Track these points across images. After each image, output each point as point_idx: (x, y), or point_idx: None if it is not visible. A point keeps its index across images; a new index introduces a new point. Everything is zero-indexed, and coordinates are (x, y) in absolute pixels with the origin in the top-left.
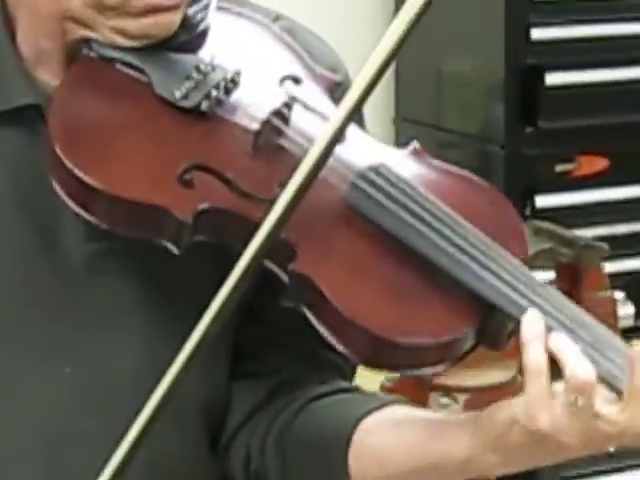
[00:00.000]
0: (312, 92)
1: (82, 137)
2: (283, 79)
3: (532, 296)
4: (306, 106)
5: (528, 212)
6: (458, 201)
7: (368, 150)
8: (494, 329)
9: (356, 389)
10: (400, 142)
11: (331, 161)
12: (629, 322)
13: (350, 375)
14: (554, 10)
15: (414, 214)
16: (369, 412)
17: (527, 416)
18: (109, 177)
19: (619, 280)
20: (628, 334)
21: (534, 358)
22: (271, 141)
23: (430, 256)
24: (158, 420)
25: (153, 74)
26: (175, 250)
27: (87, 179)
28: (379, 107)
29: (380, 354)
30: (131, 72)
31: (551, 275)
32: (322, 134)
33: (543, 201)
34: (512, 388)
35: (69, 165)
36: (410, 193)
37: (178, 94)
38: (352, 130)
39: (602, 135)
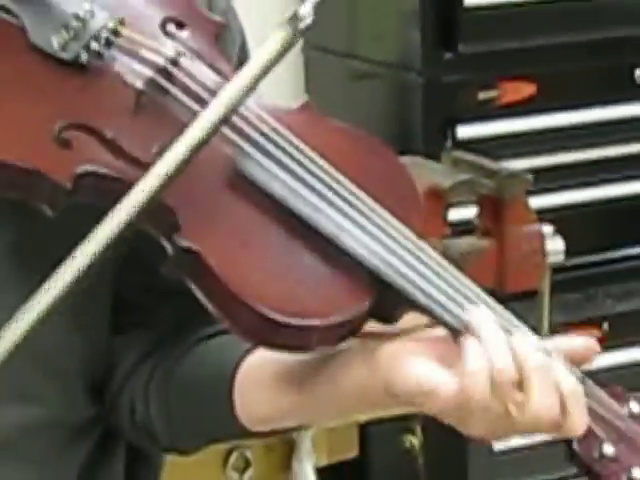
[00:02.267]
0: (199, 39)
1: None
2: (164, 22)
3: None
4: (194, 57)
5: (449, 144)
6: (353, 167)
7: (258, 111)
8: (390, 307)
9: None
10: (310, 72)
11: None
12: (558, 258)
13: None
14: None
15: (306, 184)
16: (252, 349)
17: (442, 409)
18: None
19: (549, 215)
20: (558, 274)
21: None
22: (156, 100)
23: (322, 228)
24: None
25: (29, 21)
26: (50, 213)
27: None
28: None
29: (267, 333)
30: (6, 17)
31: (472, 211)
32: (218, 98)
33: (465, 131)
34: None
35: None
36: (303, 161)
37: (56, 44)
38: None
39: (527, 59)
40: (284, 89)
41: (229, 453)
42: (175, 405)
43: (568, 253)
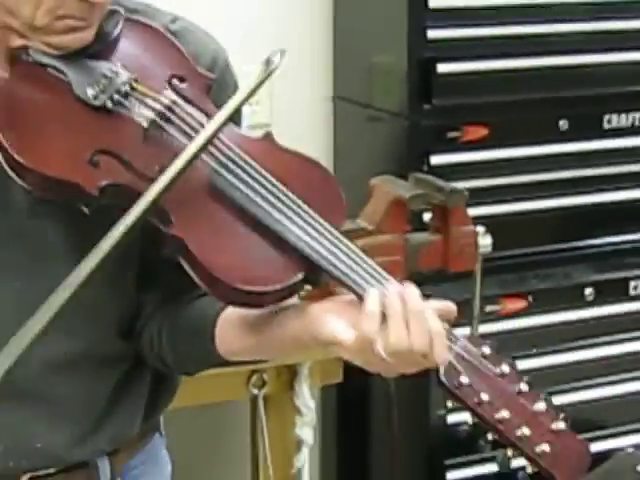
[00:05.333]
0: (194, 89)
1: (18, 125)
2: (170, 78)
3: (342, 257)
4: (187, 101)
5: (425, 168)
6: (295, 179)
7: (228, 142)
8: (317, 278)
9: None
10: (338, 118)
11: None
12: (488, 250)
13: None
14: (444, 16)
15: (260, 194)
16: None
17: (353, 352)
18: (36, 158)
19: (483, 220)
20: (487, 262)
21: (373, 314)
22: (157, 134)
23: (270, 225)
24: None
25: (73, 77)
26: (86, 211)
27: (19, 159)
28: (321, 88)
29: (233, 296)
30: (57, 75)
31: (428, 215)
32: (198, 136)
33: (436, 160)
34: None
35: (7, 147)
36: (258, 178)
37: (91, 95)
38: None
39: (481, 110)
40: (316, 135)
41: (251, 374)
42: (178, 342)
43: (495, 247)
